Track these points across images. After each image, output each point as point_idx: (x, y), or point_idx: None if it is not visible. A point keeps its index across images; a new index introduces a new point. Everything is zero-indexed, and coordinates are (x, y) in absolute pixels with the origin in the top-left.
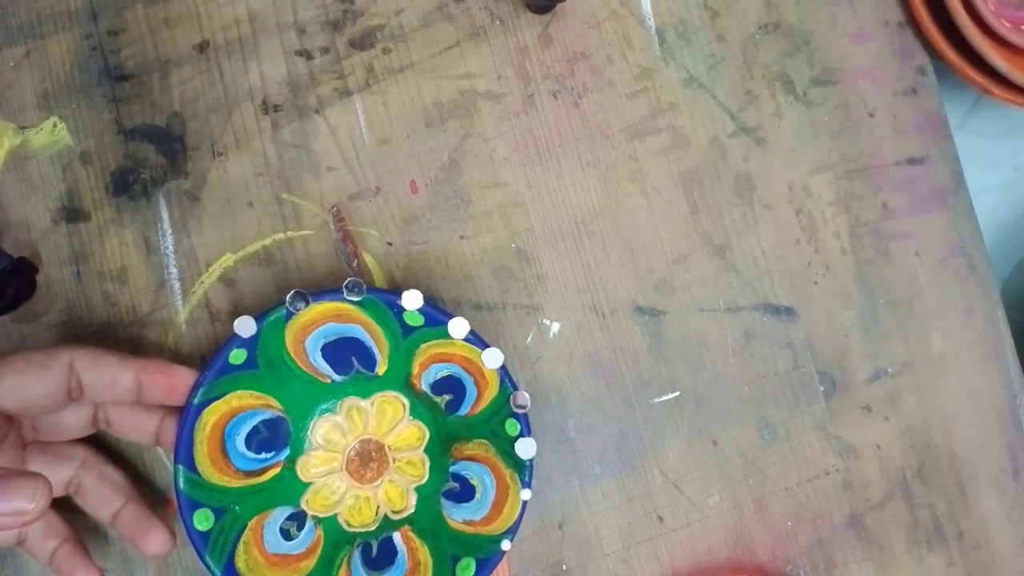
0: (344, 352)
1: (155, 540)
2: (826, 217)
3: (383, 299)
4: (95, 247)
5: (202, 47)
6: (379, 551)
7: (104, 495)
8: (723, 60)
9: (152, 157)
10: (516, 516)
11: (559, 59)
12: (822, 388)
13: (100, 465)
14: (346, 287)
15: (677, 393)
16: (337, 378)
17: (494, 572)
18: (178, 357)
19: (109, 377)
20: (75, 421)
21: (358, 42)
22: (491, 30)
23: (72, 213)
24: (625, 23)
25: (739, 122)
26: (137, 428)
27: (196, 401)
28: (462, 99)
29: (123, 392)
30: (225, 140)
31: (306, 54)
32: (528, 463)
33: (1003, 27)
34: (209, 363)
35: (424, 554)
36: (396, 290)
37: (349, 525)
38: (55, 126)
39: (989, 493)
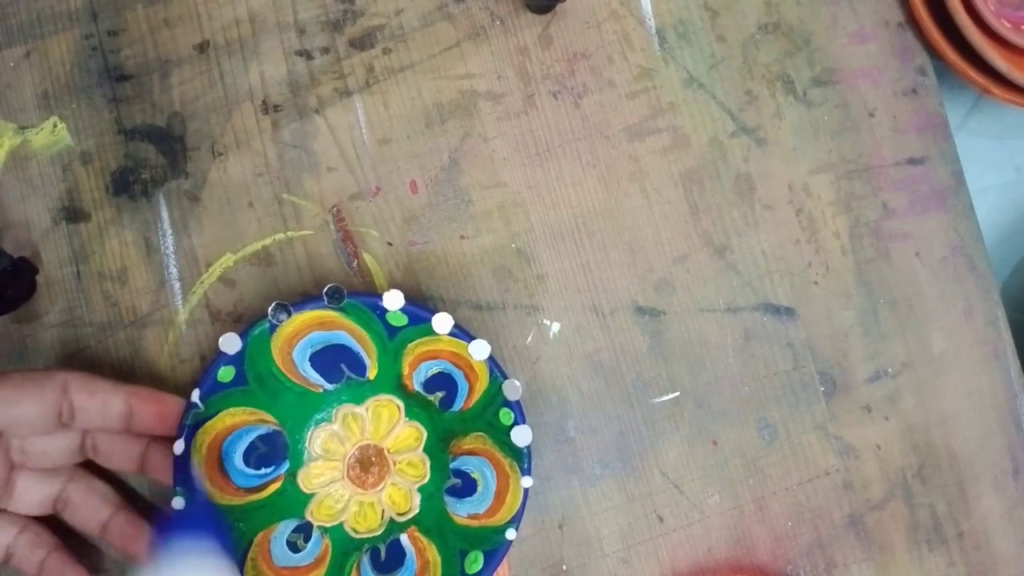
0: (333, 360)
1: (145, 545)
2: (826, 217)
3: (364, 302)
4: (95, 247)
5: (202, 47)
6: (387, 554)
7: (92, 506)
8: (723, 60)
9: (152, 157)
10: (519, 505)
11: (559, 59)
12: (822, 388)
13: (88, 479)
14: (326, 294)
15: (677, 393)
16: (329, 386)
17: (495, 572)
18: (178, 357)
19: (100, 401)
20: (63, 446)
21: (358, 42)
22: (491, 30)
23: (72, 213)
24: (625, 23)
25: (739, 122)
26: (123, 455)
27: (189, 422)
28: (462, 99)
29: (113, 417)
30: (225, 140)
31: (306, 54)
32: (526, 450)
33: (1003, 27)
34: (198, 383)
35: (432, 553)
36: (376, 292)
37: (356, 532)
38: (55, 126)
39: (989, 493)
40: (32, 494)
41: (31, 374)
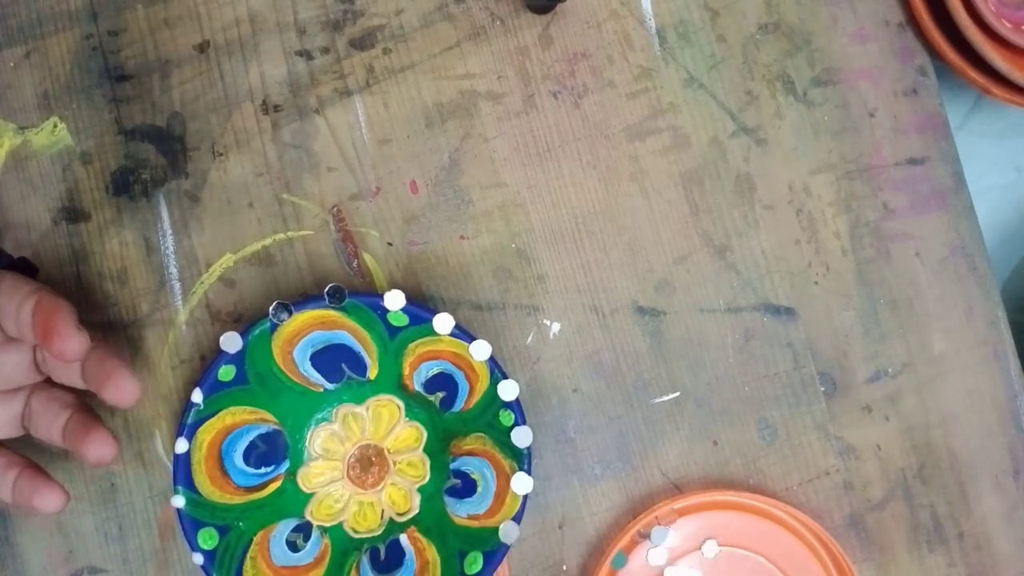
0: (334, 359)
1: (95, 443)
2: (826, 217)
3: (366, 302)
4: (95, 247)
5: (202, 47)
6: (387, 554)
7: (52, 411)
8: (723, 60)
9: (152, 157)
10: (518, 506)
11: (559, 59)
12: (822, 388)
13: (48, 389)
14: (327, 294)
15: (677, 393)
16: (329, 386)
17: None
18: (178, 357)
19: (15, 306)
20: (16, 361)
21: (358, 42)
22: (491, 30)
23: (72, 213)
24: (625, 23)
25: (739, 122)
26: (66, 369)
27: (190, 421)
28: (462, 99)
29: (27, 324)
30: (225, 140)
31: (306, 54)
32: (526, 451)
33: (1003, 27)
34: (199, 382)
35: (432, 553)
36: (376, 292)
37: (355, 531)
38: (55, 126)
39: (989, 493)
40: None
41: None
